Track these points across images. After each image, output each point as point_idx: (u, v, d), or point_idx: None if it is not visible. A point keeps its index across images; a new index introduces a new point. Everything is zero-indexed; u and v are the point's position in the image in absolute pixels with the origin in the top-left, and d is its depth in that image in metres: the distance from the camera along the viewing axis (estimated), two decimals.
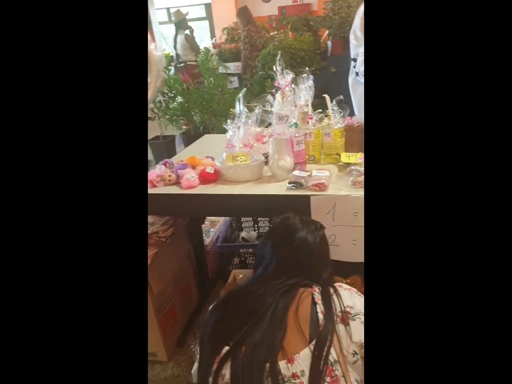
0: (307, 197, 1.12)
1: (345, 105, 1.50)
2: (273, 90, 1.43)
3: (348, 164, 1.24)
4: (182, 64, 5.04)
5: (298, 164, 1.29)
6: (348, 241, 1.13)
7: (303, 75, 1.38)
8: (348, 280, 1.37)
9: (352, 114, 1.46)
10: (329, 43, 4.18)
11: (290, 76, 1.42)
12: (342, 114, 1.43)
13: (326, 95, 1.35)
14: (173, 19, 5.10)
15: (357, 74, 1.90)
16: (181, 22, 4.98)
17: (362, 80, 1.57)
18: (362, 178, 1.14)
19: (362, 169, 1.17)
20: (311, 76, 1.37)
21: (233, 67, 5.02)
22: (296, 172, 1.21)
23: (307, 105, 1.38)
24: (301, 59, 4.09)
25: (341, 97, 1.45)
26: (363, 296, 0.80)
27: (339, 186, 1.14)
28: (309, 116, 1.35)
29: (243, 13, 4.52)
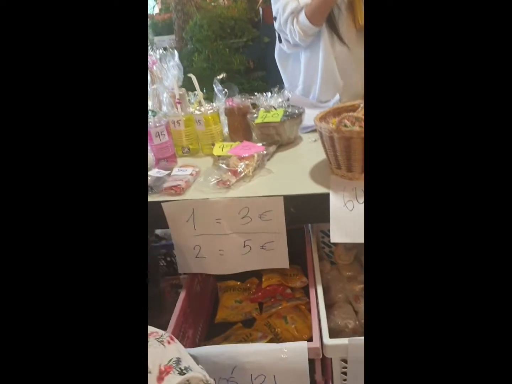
0: (159, 204, 0.91)
1: (233, 84, 1.29)
2: None
3: (220, 157, 1.04)
4: None
5: (163, 160, 1.08)
6: (214, 252, 0.94)
7: (169, 50, 1.14)
8: (249, 285, 1.21)
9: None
10: (260, 9, 3.88)
11: (158, 52, 1.19)
12: (226, 94, 1.22)
13: (191, 74, 1.12)
14: None
15: (279, 39, 1.51)
16: None
17: (285, 47, 1.30)
18: (228, 175, 0.94)
19: (232, 163, 0.98)
20: (176, 52, 1.14)
21: (169, 41, 4.62)
22: (153, 172, 1.00)
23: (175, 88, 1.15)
24: (231, 29, 3.79)
25: (223, 75, 1.23)
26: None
27: (201, 187, 0.94)
28: (177, 100, 1.13)
29: None
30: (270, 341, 1.00)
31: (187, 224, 0.93)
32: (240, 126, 1.18)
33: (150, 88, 1.21)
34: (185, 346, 0.97)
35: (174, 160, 1.11)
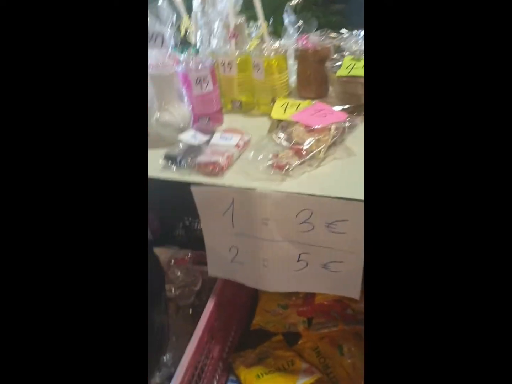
0: (187, 186, 0.64)
1: (311, 16, 0.92)
2: None
3: (280, 122, 0.73)
4: None
5: (204, 117, 0.79)
6: (256, 261, 0.68)
7: None
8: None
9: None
10: None
11: None
12: (299, 30, 0.87)
13: None
14: None
15: None
16: None
17: None
18: (288, 155, 0.64)
19: (296, 136, 0.67)
20: None
21: None
22: (187, 135, 0.72)
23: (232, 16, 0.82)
24: None
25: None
26: None
27: (248, 168, 0.65)
28: (231, 32, 0.80)
29: None
30: (318, 381, 0.75)
31: (224, 218, 0.66)
32: (315, 78, 0.84)
33: (199, 13, 0.89)
34: (209, 367, 0.76)
35: (220, 118, 0.82)
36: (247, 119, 0.84)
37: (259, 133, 0.74)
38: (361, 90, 0.75)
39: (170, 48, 0.72)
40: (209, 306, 0.72)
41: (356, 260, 0.61)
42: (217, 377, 0.79)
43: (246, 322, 0.93)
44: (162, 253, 1.05)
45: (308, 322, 0.88)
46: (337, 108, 0.75)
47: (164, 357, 0.89)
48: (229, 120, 0.83)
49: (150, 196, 0.50)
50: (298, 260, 0.65)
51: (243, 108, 0.85)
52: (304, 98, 0.87)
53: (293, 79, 0.90)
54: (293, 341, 0.87)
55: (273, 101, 0.80)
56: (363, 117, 0.72)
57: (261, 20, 0.79)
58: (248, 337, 0.90)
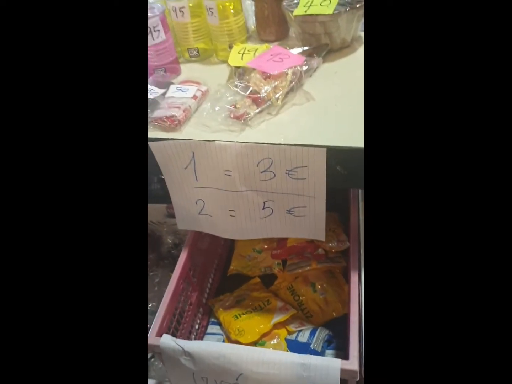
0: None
1: None
2: None
3: (238, 69, 0.71)
4: None
5: (160, 69, 0.76)
6: (223, 212, 0.69)
7: None
8: None
9: None
10: None
11: None
12: None
13: None
14: None
15: None
16: None
17: None
18: (246, 103, 0.63)
19: (253, 83, 0.65)
20: None
21: None
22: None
23: None
24: None
25: None
26: None
27: (207, 120, 0.64)
28: None
29: None
30: (292, 317, 0.80)
31: (186, 172, 0.66)
32: (273, 18, 0.81)
33: None
34: (188, 313, 0.81)
35: (176, 68, 0.79)
36: (206, 68, 0.81)
37: (218, 82, 0.71)
38: (319, 30, 0.72)
39: None
40: (183, 256, 0.75)
41: (318, 203, 0.63)
42: (198, 321, 0.84)
43: (224, 269, 0.97)
44: None
45: (282, 264, 0.92)
46: (297, 50, 0.73)
47: (148, 306, 0.93)
48: (187, 69, 0.81)
49: None
50: (264, 208, 0.67)
51: (201, 56, 0.82)
52: (264, 41, 0.85)
53: (252, 21, 0.86)
54: (269, 282, 0.91)
55: (230, 47, 0.77)
56: (321, 59, 0.70)
57: None
58: (226, 282, 0.94)
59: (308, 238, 0.72)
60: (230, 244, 1.01)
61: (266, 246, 0.94)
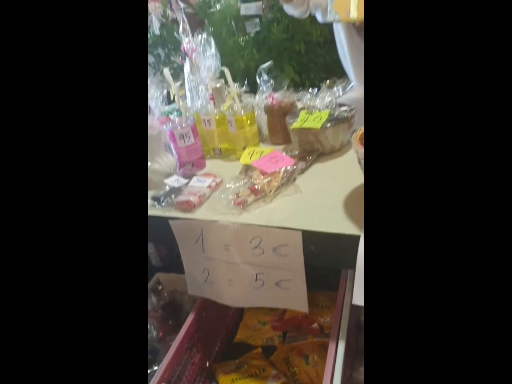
0: (166, 220, 0.82)
1: (283, 75, 1.12)
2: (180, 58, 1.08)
3: (246, 166, 0.91)
4: None
5: (188, 164, 0.97)
6: (223, 280, 0.83)
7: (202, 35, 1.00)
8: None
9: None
10: None
11: (200, 36, 1.05)
12: (272, 86, 1.06)
13: (224, 68, 0.97)
14: None
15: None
16: None
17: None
18: (247, 193, 0.80)
19: (255, 178, 0.83)
20: (212, 41, 0.99)
21: (256, 7, 4.36)
22: (171, 179, 0.90)
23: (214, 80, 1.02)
24: None
25: (270, 63, 1.06)
26: None
27: (215, 204, 0.82)
28: (210, 95, 1.00)
29: None
30: None
31: (196, 245, 0.82)
32: (281, 128, 1.02)
33: (188, 79, 1.10)
34: (190, 372, 0.91)
35: (202, 163, 1.00)
36: (225, 163, 1.02)
37: (231, 175, 0.91)
38: (312, 138, 0.91)
39: (157, 113, 0.92)
40: (190, 317, 0.88)
41: (298, 277, 0.75)
42: (200, 383, 0.93)
43: (231, 336, 1.07)
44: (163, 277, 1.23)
45: (283, 336, 1.01)
46: (295, 153, 0.91)
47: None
48: (210, 164, 1.02)
49: (151, 229, 0.68)
50: (256, 279, 0.80)
51: (222, 154, 1.04)
52: (274, 143, 1.05)
53: (265, 128, 1.08)
54: (270, 353, 0.99)
55: (245, 148, 0.97)
56: (305, 162, 0.88)
57: (231, 85, 0.97)
58: (232, 350, 1.04)
59: (293, 309, 0.83)
60: (238, 316, 1.12)
61: (269, 318, 1.05)
